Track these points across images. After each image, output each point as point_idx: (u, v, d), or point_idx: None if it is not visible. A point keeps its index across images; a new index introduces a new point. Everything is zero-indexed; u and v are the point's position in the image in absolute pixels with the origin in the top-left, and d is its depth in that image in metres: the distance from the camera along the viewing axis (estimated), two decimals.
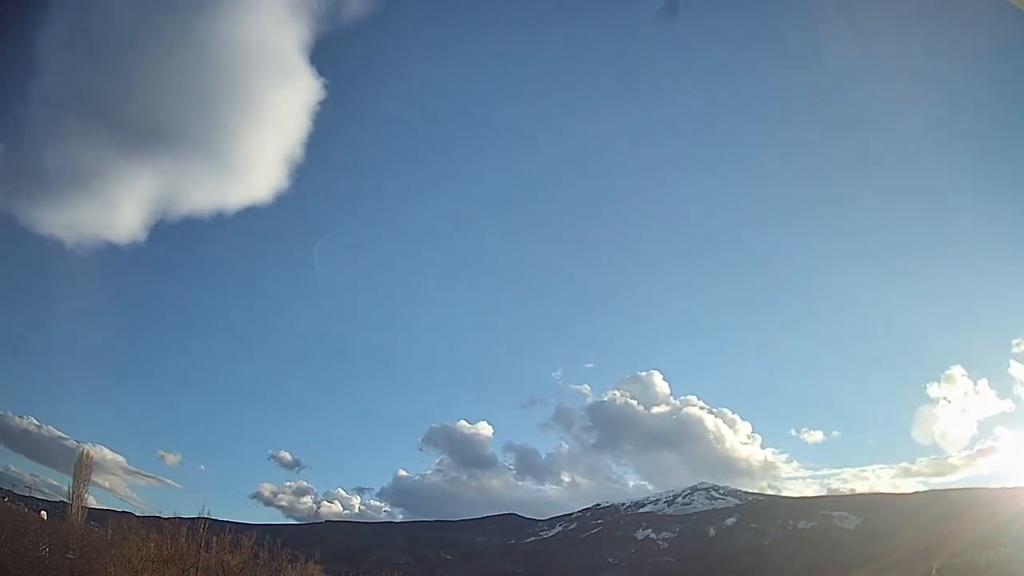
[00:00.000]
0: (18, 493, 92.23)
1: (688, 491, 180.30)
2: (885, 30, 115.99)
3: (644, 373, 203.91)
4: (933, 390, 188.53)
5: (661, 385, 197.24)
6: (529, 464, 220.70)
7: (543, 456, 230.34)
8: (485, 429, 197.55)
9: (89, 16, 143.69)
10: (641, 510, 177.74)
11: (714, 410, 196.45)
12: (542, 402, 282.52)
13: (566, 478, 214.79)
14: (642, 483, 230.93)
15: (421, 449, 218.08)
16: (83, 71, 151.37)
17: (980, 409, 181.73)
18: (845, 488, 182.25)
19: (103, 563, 40.30)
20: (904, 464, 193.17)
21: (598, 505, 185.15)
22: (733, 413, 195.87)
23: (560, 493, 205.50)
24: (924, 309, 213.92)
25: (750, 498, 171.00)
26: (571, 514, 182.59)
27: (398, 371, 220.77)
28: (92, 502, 53.08)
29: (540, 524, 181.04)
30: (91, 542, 46.01)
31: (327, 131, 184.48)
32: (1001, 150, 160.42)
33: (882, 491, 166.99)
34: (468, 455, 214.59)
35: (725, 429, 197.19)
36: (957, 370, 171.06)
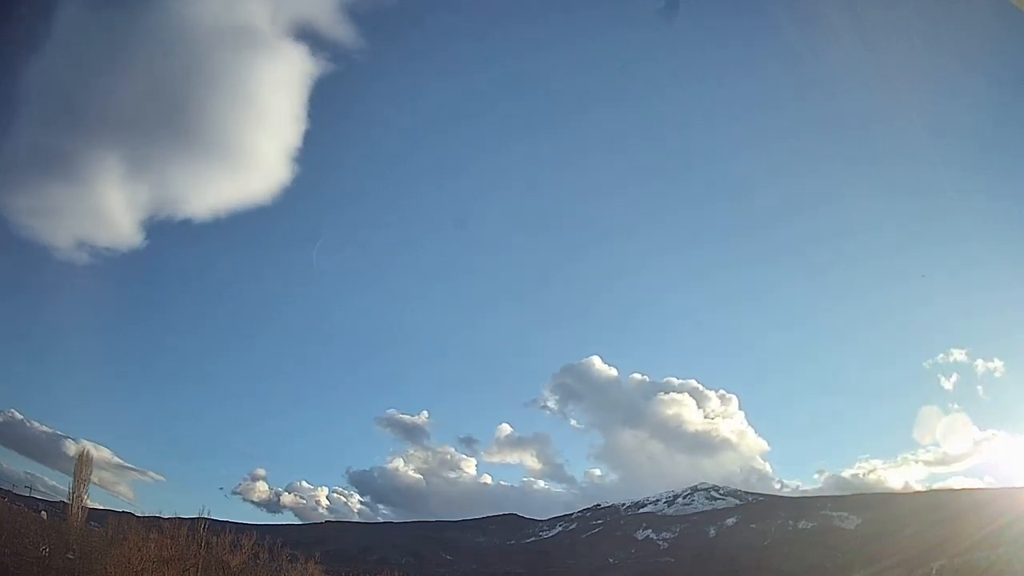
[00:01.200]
0: (18, 493, 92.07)
1: (688, 491, 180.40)
2: (884, 29, 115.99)
3: (582, 361, 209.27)
4: (932, 368, 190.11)
5: (603, 367, 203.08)
6: (475, 451, 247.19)
7: (485, 443, 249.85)
8: (426, 418, 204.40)
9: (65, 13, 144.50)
10: (641, 510, 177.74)
11: (673, 381, 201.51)
12: (494, 391, 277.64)
13: (513, 460, 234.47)
14: (595, 469, 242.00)
15: (377, 429, 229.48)
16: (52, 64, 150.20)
17: (983, 397, 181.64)
18: (843, 475, 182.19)
19: (103, 563, 40.23)
20: (904, 454, 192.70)
21: (598, 505, 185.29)
22: (707, 388, 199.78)
23: (516, 479, 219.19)
24: (924, 296, 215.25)
25: (750, 498, 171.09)
26: (571, 514, 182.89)
27: (342, 364, 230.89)
28: (87, 502, 52.70)
29: (540, 524, 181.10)
30: (91, 542, 45.84)
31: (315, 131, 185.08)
32: (1001, 150, 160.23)
33: (881, 489, 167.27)
34: (416, 443, 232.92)
35: (689, 403, 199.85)
36: (958, 353, 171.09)
